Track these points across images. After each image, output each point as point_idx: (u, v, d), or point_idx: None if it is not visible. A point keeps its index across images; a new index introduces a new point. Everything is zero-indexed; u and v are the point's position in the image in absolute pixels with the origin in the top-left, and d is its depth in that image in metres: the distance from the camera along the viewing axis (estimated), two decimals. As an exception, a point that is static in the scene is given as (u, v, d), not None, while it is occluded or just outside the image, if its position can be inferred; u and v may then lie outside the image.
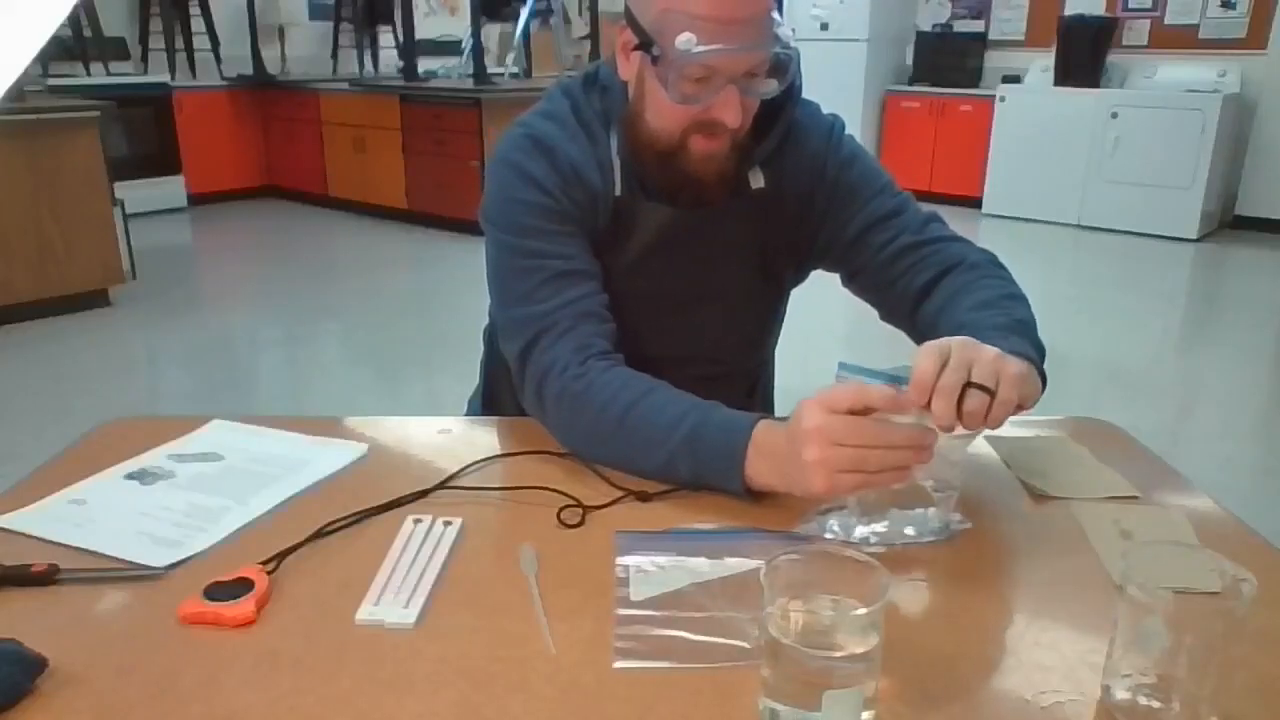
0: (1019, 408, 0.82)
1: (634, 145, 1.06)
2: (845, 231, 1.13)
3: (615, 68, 1.06)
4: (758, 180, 1.10)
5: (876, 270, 1.13)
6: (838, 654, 0.58)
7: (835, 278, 1.20)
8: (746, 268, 1.15)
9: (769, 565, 0.60)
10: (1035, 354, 0.93)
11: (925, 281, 1.10)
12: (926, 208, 1.15)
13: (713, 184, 1.05)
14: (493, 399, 1.27)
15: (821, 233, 1.14)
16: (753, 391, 1.29)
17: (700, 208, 1.08)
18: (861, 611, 0.58)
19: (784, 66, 1.01)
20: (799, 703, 0.58)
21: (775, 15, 0.98)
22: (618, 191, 1.07)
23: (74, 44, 5.86)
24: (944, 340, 0.81)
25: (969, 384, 0.78)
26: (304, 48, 7.40)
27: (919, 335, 1.13)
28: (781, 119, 1.08)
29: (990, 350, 0.81)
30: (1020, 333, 0.95)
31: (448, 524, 0.86)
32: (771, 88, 1.01)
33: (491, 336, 1.26)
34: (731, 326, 1.20)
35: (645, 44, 0.97)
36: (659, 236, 1.09)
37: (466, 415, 1.31)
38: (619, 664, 0.67)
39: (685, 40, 0.92)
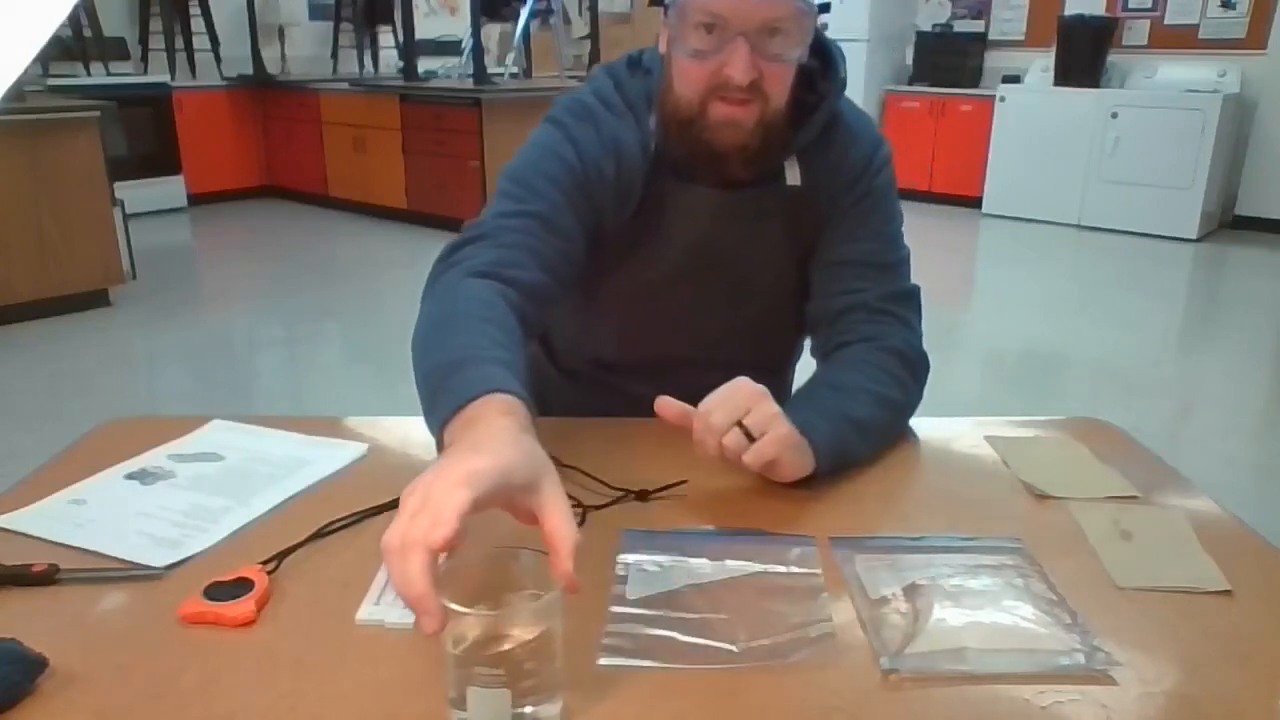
0: (775, 468, 0.88)
1: (663, 119, 1.05)
2: (831, 250, 1.11)
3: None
4: (794, 177, 1.08)
5: (820, 301, 1.12)
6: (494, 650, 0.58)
7: None
8: (785, 268, 1.13)
9: (445, 570, 0.59)
10: (832, 445, 0.92)
11: (837, 344, 1.09)
12: (912, 283, 1.12)
13: (731, 156, 1.01)
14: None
15: (818, 235, 1.12)
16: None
17: (724, 187, 1.06)
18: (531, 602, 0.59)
19: (801, 25, 0.96)
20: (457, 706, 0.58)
21: None
22: (651, 173, 1.06)
23: (74, 44, 5.86)
24: (740, 385, 0.88)
25: (739, 424, 0.85)
26: (304, 48, 7.41)
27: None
28: (822, 109, 1.06)
29: (773, 408, 0.87)
30: (837, 423, 0.94)
31: (448, 524, 0.85)
32: (791, 49, 0.97)
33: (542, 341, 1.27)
34: (767, 330, 1.18)
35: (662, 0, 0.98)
36: (696, 226, 1.08)
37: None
38: (603, 660, 0.67)
39: None
